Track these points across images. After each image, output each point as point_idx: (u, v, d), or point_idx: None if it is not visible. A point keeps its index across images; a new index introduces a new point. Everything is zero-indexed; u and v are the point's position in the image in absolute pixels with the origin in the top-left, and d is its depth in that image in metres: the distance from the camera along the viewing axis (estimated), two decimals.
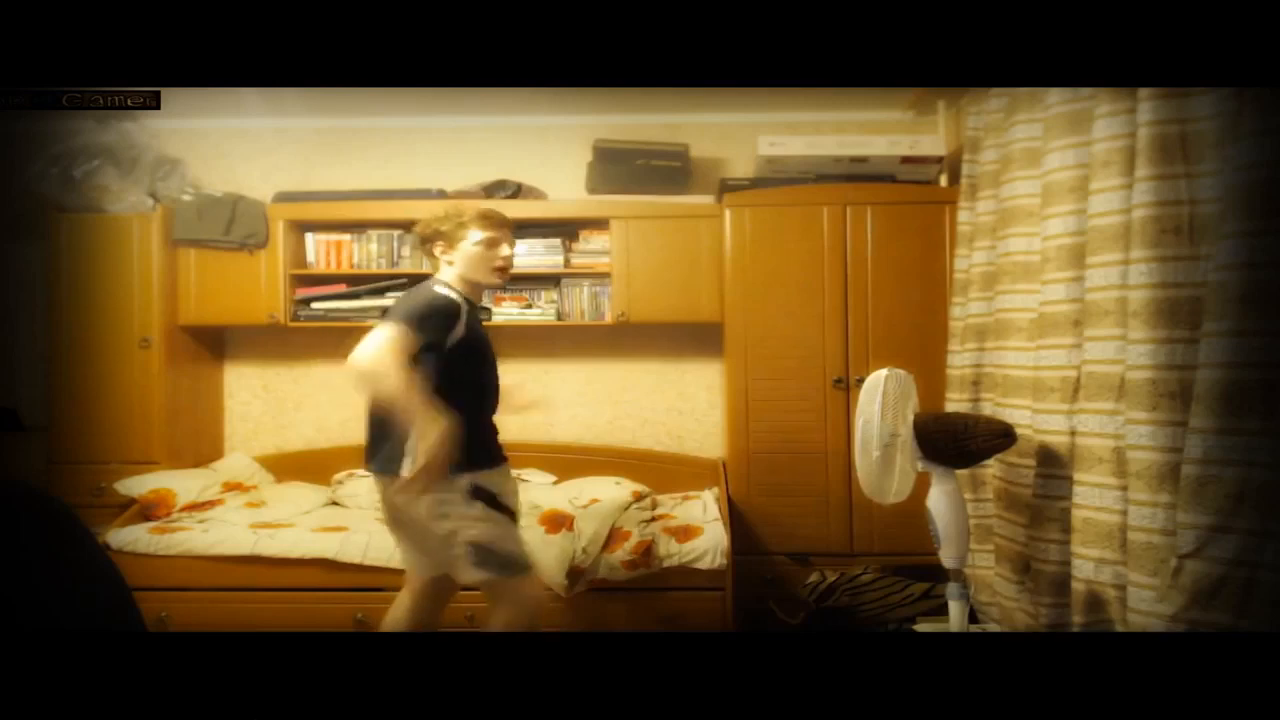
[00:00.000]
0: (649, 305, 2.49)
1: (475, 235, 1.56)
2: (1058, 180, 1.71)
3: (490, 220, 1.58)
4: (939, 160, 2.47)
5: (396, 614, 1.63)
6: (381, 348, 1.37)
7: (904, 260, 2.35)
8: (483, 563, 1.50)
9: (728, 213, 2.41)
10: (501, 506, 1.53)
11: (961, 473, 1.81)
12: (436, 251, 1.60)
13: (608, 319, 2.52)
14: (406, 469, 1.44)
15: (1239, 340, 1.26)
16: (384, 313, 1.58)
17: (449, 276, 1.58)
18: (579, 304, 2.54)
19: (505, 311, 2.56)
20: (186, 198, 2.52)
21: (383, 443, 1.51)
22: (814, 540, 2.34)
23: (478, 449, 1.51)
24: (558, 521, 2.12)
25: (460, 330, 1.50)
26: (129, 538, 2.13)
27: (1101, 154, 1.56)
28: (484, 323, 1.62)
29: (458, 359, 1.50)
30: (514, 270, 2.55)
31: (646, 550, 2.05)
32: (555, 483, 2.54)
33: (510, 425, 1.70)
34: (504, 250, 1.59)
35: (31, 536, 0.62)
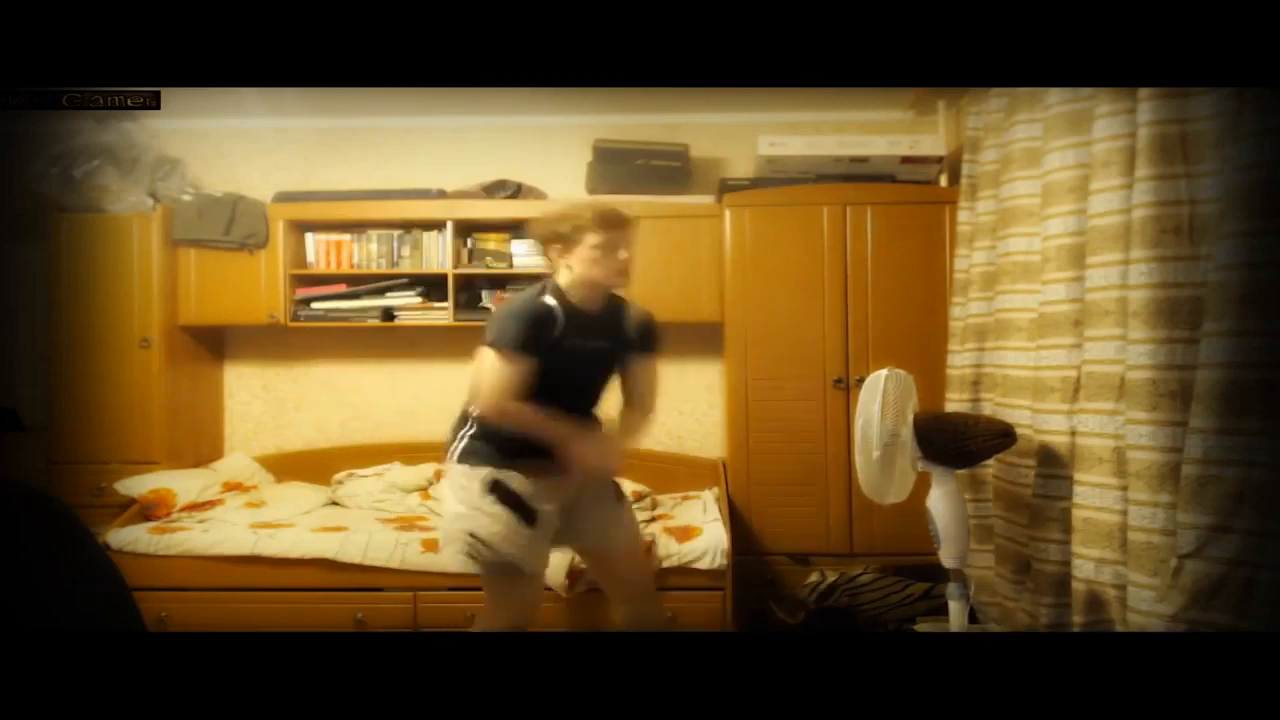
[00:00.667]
0: (648, 305, 2.48)
1: (592, 239, 1.52)
2: (1058, 180, 1.71)
3: (607, 222, 1.53)
4: (939, 160, 2.46)
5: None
6: (498, 389, 1.44)
7: (904, 260, 2.35)
8: (473, 555, 1.48)
9: (728, 213, 2.41)
10: (524, 508, 1.50)
11: (961, 473, 1.82)
12: (552, 254, 1.58)
13: None
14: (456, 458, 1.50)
15: (1239, 340, 1.26)
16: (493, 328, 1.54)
17: (565, 280, 1.56)
18: None
19: None
20: (186, 198, 2.52)
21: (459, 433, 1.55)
22: (814, 540, 2.34)
23: (510, 444, 1.50)
24: None
25: (556, 334, 1.50)
26: (129, 538, 2.13)
27: (1101, 154, 1.56)
28: (588, 334, 1.55)
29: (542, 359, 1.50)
30: (514, 270, 2.58)
31: (646, 550, 2.05)
32: None
33: None
34: (622, 253, 1.54)
35: (31, 536, 0.62)
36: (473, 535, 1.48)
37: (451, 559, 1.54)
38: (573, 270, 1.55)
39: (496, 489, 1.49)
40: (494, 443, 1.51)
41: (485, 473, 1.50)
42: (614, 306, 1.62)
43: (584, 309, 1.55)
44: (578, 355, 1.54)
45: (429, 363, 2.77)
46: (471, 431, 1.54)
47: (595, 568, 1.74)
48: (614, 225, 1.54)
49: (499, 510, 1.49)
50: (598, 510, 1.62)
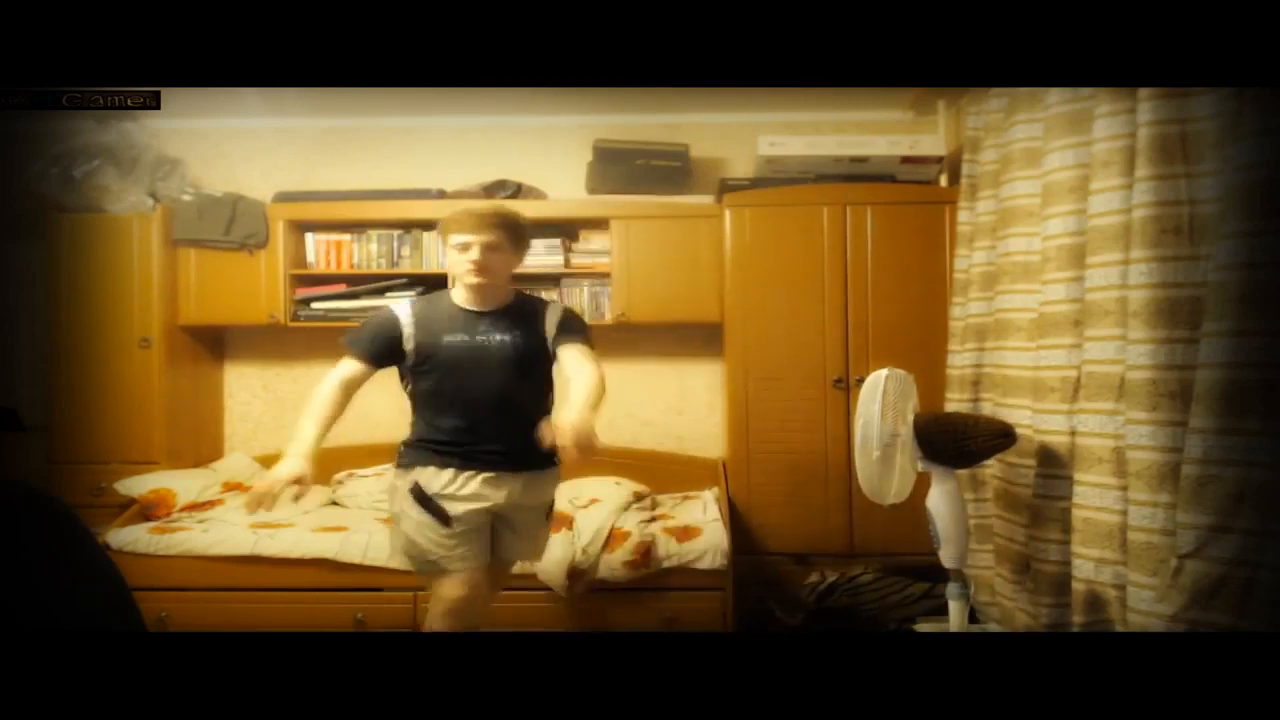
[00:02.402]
0: (649, 305, 2.49)
1: (450, 240, 1.56)
2: (1058, 180, 1.71)
3: (455, 223, 1.54)
4: (939, 160, 2.46)
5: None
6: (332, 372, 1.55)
7: (904, 260, 2.35)
8: (407, 554, 1.57)
9: (728, 213, 2.41)
10: (435, 508, 1.53)
11: (961, 473, 1.82)
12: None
13: (608, 319, 2.52)
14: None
15: (1239, 340, 1.26)
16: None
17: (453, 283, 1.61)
18: (579, 304, 2.54)
19: None
20: (186, 198, 2.52)
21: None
22: (813, 540, 2.34)
23: (421, 450, 1.56)
24: (557, 522, 2.12)
25: (411, 340, 1.54)
26: (129, 538, 2.13)
27: (1101, 154, 1.56)
28: (485, 331, 1.56)
29: (416, 367, 1.56)
30: (516, 271, 2.57)
31: (646, 550, 2.05)
32: None
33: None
34: (472, 252, 1.52)
35: (31, 536, 0.62)
36: (402, 535, 1.56)
37: (393, 558, 1.66)
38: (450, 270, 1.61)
39: (415, 492, 1.54)
40: (421, 446, 1.57)
41: (410, 477, 1.55)
42: (522, 305, 1.63)
43: (474, 309, 1.58)
44: (469, 349, 1.55)
45: None
46: (405, 437, 1.60)
47: (492, 570, 1.64)
48: (462, 226, 1.54)
49: (419, 514, 1.53)
50: (529, 528, 1.65)
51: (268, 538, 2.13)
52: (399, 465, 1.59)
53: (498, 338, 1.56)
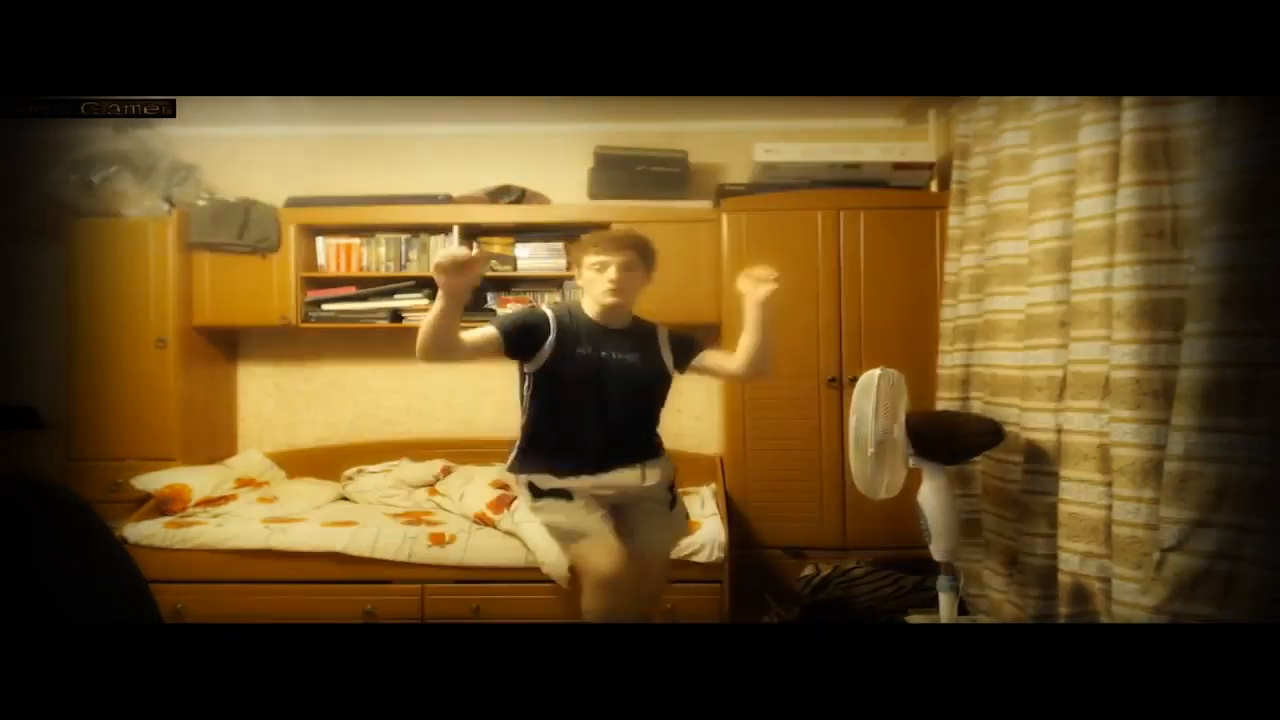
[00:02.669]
0: (648, 306, 2.53)
1: (586, 259, 1.61)
2: (1045, 186, 1.75)
3: (597, 243, 1.61)
4: (929, 166, 2.49)
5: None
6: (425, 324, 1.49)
7: (895, 263, 2.39)
8: (555, 537, 1.67)
9: (725, 217, 2.45)
10: (558, 492, 1.61)
11: (951, 469, 1.85)
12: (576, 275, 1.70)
13: None
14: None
15: (1219, 340, 1.29)
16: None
17: (584, 297, 1.67)
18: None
19: None
20: (201, 203, 2.58)
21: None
22: (808, 534, 2.38)
23: (535, 457, 1.64)
24: None
25: (551, 343, 1.58)
26: (145, 532, 2.18)
27: (1087, 160, 1.60)
28: (611, 349, 1.61)
29: (545, 373, 1.59)
30: (518, 273, 2.63)
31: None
32: None
33: (511, 423, 1.75)
34: (610, 272, 1.58)
35: (48, 530, 0.64)
36: (543, 525, 1.67)
37: (548, 546, 1.90)
38: (581, 289, 1.68)
39: (533, 488, 1.64)
40: (536, 452, 1.65)
41: (526, 479, 1.65)
42: (641, 327, 1.70)
43: (602, 324, 1.64)
44: (598, 364, 1.60)
45: (436, 363, 2.82)
46: (517, 440, 1.68)
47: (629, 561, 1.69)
48: (599, 247, 1.61)
49: (542, 501, 1.63)
50: (650, 516, 1.69)
51: (280, 532, 2.18)
52: (514, 470, 1.66)
53: (623, 356, 1.62)
